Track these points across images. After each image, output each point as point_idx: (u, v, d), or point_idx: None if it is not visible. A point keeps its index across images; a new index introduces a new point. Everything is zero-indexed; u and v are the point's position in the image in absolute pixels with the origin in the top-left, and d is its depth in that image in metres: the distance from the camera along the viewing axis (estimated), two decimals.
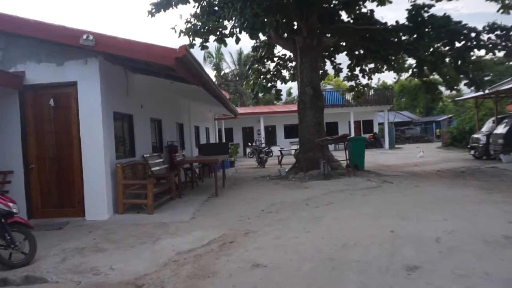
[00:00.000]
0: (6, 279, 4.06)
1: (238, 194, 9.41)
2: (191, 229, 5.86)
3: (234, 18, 11.11)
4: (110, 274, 4.07)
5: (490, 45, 11.38)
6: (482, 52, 12.32)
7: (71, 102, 6.95)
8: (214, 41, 13.11)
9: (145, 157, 8.93)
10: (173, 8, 12.93)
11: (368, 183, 9.73)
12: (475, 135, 17.15)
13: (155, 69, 7.71)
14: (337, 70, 16.19)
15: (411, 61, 14.47)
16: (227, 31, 12.95)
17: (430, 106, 47.28)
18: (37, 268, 4.27)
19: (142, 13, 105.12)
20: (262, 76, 16.39)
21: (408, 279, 3.59)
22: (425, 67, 13.23)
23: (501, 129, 14.87)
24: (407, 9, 11.59)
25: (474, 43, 11.29)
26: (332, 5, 13.32)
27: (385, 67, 15.10)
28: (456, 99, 29.41)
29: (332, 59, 15.93)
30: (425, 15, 11.36)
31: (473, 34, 11.12)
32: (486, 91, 15.93)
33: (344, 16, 13.54)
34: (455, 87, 13.79)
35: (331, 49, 15.24)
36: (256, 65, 16.44)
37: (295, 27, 13.40)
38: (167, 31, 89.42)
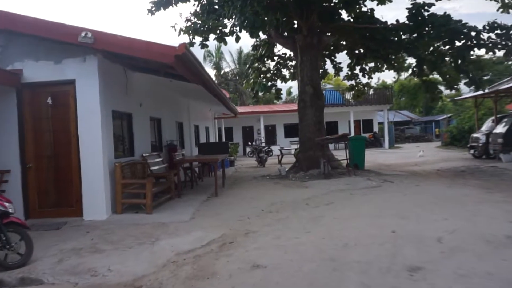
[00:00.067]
0: (1, 280, 4.00)
1: (238, 193, 9.36)
2: (190, 229, 5.81)
3: (234, 17, 11.06)
4: (108, 276, 4.01)
5: (490, 44, 11.33)
6: (482, 51, 12.33)
7: (69, 100, 6.89)
8: (214, 39, 13.09)
9: (144, 156, 8.88)
10: (173, 7, 12.90)
11: (368, 183, 9.69)
12: (475, 135, 17.14)
13: (154, 67, 7.66)
14: (337, 69, 16.15)
15: (411, 60, 14.48)
16: (227, 30, 12.94)
17: (429, 105, 47.28)
18: (33, 269, 4.22)
19: (141, 12, 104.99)
20: (262, 75, 16.34)
21: (410, 280, 3.54)
22: (425, 66, 13.19)
23: (500, 129, 14.85)
24: (407, 8, 11.53)
25: (474, 42, 11.24)
26: (332, 4, 13.28)
27: (385, 66, 15.07)
28: (456, 98, 29.42)
29: (332, 58, 15.88)
30: (425, 14, 11.31)
31: (473, 33, 11.07)
32: (486, 91, 15.91)
33: (344, 15, 13.53)
34: (455, 86, 13.77)
35: (331, 48, 15.19)
36: (256, 64, 16.39)
37: (295, 25, 13.36)
38: (167, 30, 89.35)
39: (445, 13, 11.30)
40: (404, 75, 41.66)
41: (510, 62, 38.23)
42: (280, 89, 16.76)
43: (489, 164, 13.25)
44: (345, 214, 6.38)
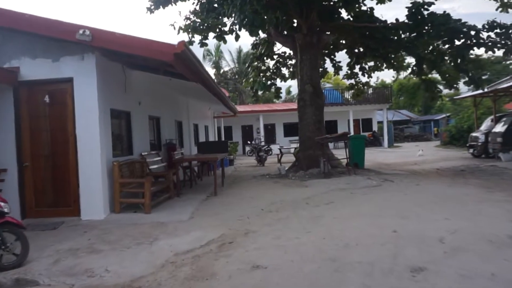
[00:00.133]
0: None
1: (238, 193, 9.30)
2: (189, 229, 5.75)
3: (233, 15, 11.01)
4: (105, 276, 3.94)
5: (490, 43, 11.29)
6: (481, 50, 12.32)
7: (67, 98, 6.82)
8: (213, 38, 13.04)
9: (143, 155, 8.81)
10: (172, 5, 12.85)
11: (369, 182, 9.63)
12: (474, 134, 17.13)
13: (153, 66, 7.59)
14: (337, 68, 16.11)
15: (410, 59, 14.44)
16: (226, 28, 12.88)
17: (428, 105, 47.34)
18: (29, 270, 4.15)
19: (141, 10, 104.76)
20: (261, 74, 16.30)
21: (413, 281, 3.48)
22: (425, 65, 13.16)
23: (499, 128, 14.83)
24: (407, 7, 11.49)
25: (474, 41, 11.20)
26: (332, 3, 13.23)
27: (384, 65, 15.03)
28: (455, 97, 29.42)
29: (332, 57, 15.84)
30: (425, 13, 11.26)
31: (472, 32, 11.03)
32: (485, 90, 15.89)
33: (344, 13, 13.48)
34: (455, 85, 13.75)
35: (331, 47, 15.14)
36: (256, 63, 16.34)
37: (295, 24, 13.30)
38: (166, 28, 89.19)
39: (444, 12, 11.25)
40: (403, 74, 41.71)
41: (508, 62, 38.39)
42: (280, 88, 16.72)
43: (488, 163, 13.22)
44: (345, 214, 6.33)
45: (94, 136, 6.68)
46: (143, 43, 6.33)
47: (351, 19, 13.31)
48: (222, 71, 41.39)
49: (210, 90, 10.18)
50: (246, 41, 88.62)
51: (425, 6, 11.30)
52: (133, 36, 6.41)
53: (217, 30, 12.72)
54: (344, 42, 14.88)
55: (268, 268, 3.96)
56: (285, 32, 13.50)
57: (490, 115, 18.66)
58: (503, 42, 11.15)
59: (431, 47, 12.78)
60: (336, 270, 3.83)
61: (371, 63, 15.52)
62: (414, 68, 13.52)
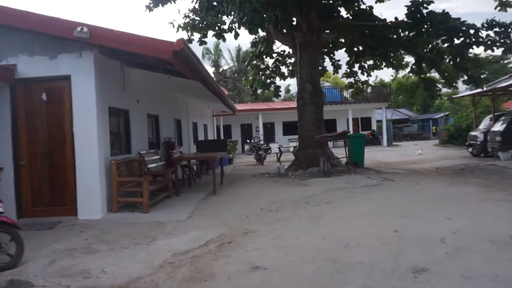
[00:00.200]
0: None
1: (237, 192, 9.24)
2: (188, 228, 5.68)
3: (233, 13, 10.94)
4: (102, 278, 3.87)
5: (489, 42, 11.26)
6: (479, 49, 12.30)
7: (64, 96, 6.74)
8: (212, 36, 12.99)
9: (141, 154, 8.74)
10: (171, 3, 12.79)
11: (369, 181, 9.58)
12: (473, 133, 17.12)
13: (152, 63, 7.52)
14: (336, 66, 16.06)
15: (409, 58, 14.43)
16: (225, 26, 12.84)
17: (427, 103, 47.34)
18: (24, 271, 4.07)
19: (140, 8, 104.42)
20: (261, 72, 16.26)
21: (415, 282, 3.42)
22: (424, 64, 13.12)
23: (498, 127, 14.82)
24: (406, 6, 11.44)
25: (473, 40, 11.17)
26: (331, 1, 13.20)
27: (384, 64, 15.00)
28: (453, 96, 29.42)
29: (331, 55, 15.79)
30: (424, 11, 11.22)
31: (472, 31, 11.00)
32: (484, 89, 15.86)
33: (343, 12, 13.45)
34: (454, 84, 13.72)
35: (330, 45, 15.09)
36: (255, 61, 16.29)
37: (294, 22, 13.25)
38: (165, 27, 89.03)
39: (443, 10, 11.21)
40: (401, 73, 41.70)
41: (506, 61, 38.48)
42: (279, 87, 16.68)
43: (488, 162, 13.19)
44: (346, 213, 6.27)
45: (91, 135, 6.60)
46: (142, 40, 6.27)
47: (351, 17, 13.27)
48: (221, 69, 41.27)
49: (209, 88, 10.11)
50: (245, 39, 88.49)
51: (424, 5, 11.25)
52: (132, 34, 6.34)
53: (216, 28, 12.68)
54: (343, 40, 14.83)
55: (268, 268, 3.90)
56: (285, 31, 13.44)
57: (489, 114, 18.65)
58: (502, 40, 11.12)
59: (430, 45, 12.75)
60: (337, 270, 3.78)
61: (371, 62, 15.49)
62: (414, 66, 13.49)
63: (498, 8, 13.56)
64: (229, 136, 28.08)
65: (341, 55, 16.00)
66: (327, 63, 16.20)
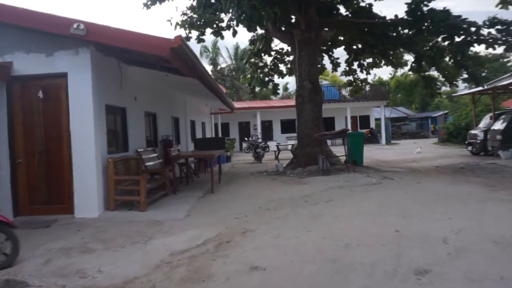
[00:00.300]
0: None
1: (235, 190, 9.17)
2: (185, 227, 5.61)
3: (231, 11, 10.81)
4: (98, 278, 3.80)
5: (490, 40, 11.19)
6: (480, 48, 12.26)
7: (61, 94, 6.65)
8: (210, 34, 12.90)
9: (139, 152, 8.65)
10: (169, 1, 12.69)
11: (368, 179, 9.51)
12: (473, 131, 17.08)
13: (150, 61, 7.44)
14: (335, 64, 15.98)
15: (409, 56, 14.36)
16: (224, 24, 12.73)
17: (425, 102, 47.31)
18: (19, 270, 3.99)
19: (137, 6, 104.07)
20: (259, 70, 16.18)
21: (418, 284, 3.35)
22: (424, 62, 13.05)
23: (498, 125, 14.78)
24: (406, 3, 11.35)
25: (474, 37, 11.09)
26: None
27: (383, 62, 14.93)
28: (453, 95, 29.42)
29: (330, 53, 15.72)
30: (425, 9, 11.13)
31: (473, 29, 10.92)
32: (485, 87, 15.82)
33: (342, 9, 13.35)
34: (454, 82, 13.66)
35: (329, 43, 15.01)
36: (253, 59, 16.21)
37: (293, 20, 13.16)
38: (162, 24, 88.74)
39: (444, 8, 11.13)
40: (400, 71, 41.64)
41: (506, 60, 38.52)
42: (277, 84, 16.59)
43: (488, 161, 13.14)
44: (345, 212, 6.20)
45: (88, 132, 6.52)
46: (139, 37, 6.17)
47: (350, 15, 13.18)
48: (219, 67, 41.14)
49: (207, 85, 10.03)
50: (243, 37, 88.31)
51: (425, 2, 11.16)
52: (129, 31, 6.25)
53: (214, 25, 12.59)
54: (342, 38, 14.76)
55: (267, 269, 3.83)
56: (283, 28, 13.36)
57: (488, 112, 18.62)
58: (504, 38, 11.05)
59: (430, 43, 12.67)
60: (337, 271, 3.71)
61: (370, 60, 15.41)
62: (413, 64, 13.41)
63: (499, 5, 13.48)
64: (227, 134, 28.00)
65: (340, 53, 15.96)
66: (326, 61, 16.16)
